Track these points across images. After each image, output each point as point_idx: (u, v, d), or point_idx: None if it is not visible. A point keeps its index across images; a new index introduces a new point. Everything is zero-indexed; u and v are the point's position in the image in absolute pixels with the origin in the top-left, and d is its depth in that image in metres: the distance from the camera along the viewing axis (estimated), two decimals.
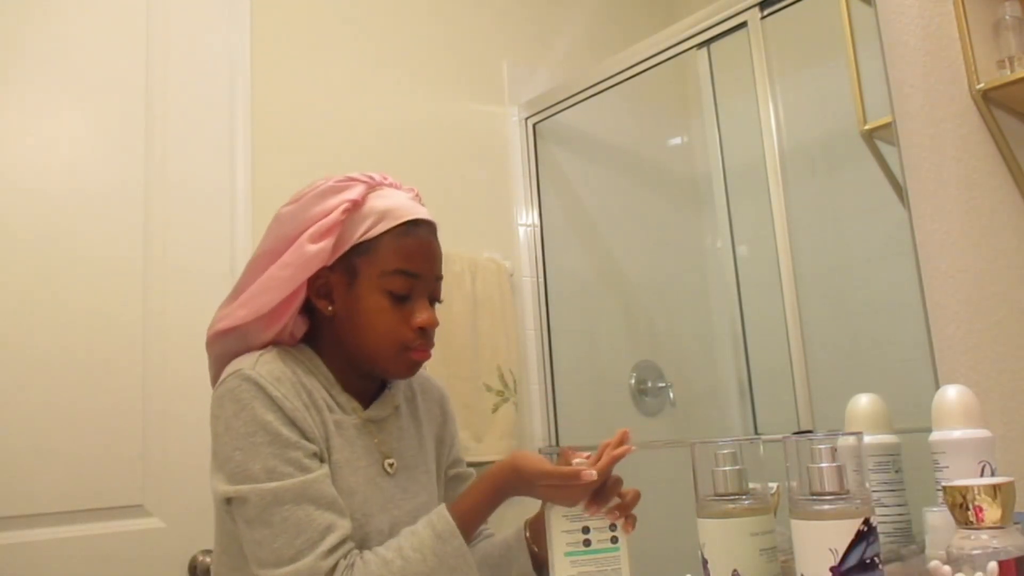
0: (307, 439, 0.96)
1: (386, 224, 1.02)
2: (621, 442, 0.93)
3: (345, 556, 0.92)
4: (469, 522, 0.95)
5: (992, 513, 0.77)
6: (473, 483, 0.99)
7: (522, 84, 2.24)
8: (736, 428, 1.95)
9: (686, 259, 2.33)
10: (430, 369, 1.86)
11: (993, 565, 0.73)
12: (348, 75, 1.93)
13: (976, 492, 0.78)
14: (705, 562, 0.89)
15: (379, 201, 1.03)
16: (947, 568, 0.75)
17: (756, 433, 1.84)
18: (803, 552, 0.80)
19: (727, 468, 0.90)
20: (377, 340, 1.01)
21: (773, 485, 0.96)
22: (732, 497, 0.89)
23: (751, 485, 0.90)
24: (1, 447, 1.36)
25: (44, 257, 1.45)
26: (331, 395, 1.03)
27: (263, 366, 0.97)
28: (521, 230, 2.20)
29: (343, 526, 0.93)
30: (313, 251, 0.99)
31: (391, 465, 1.04)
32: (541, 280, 2.17)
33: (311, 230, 1.00)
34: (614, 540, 0.88)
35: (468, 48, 2.18)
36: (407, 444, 1.09)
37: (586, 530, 0.87)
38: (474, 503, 0.96)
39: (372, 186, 1.05)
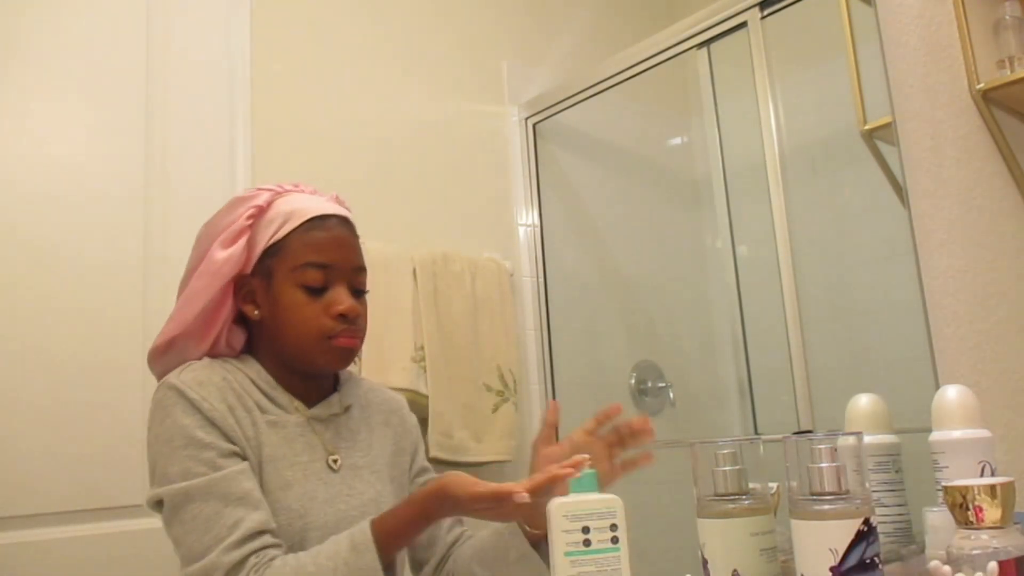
0: (227, 439, 0.98)
1: (293, 223, 1.05)
2: (573, 459, 0.86)
3: (259, 551, 0.92)
4: (390, 540, 0.93)
5: (992, 513, 0.77)
6: (402, 502, 0.97)
7: (522, 84, 2.24)
8: (736, 428, 1.96)
9: (686, 259, 2.33)
10: (430, 366, 1.89)
11: (993, 565, 0.73)
12: (348, 75, 1.93)
13: (976, 492, 0.78)
14: (705, 562, 0.89)
15: (285, 204, 1.07)
16: (947, 568, 0.75)
17: (756, 433, 1.84)
18: (803, 552, 0.80)
19: (727, 468, 0.90)
20: (299, 334, 1.03)
21: (773, 485, 0.96)
22: (732, 497, 0.89)
23: (751, 485, 0.90)
24: (1, 447, 1.36)
25: (44, 257, 1.45)
26: (269, 397, 1.05)
27: (188, 373, 1.01)
28: (521, 230, 2.20)
29: (254, 519, 0.94)
30: (222, 257, 1.04)
31: (335, 461, 1.06)
32: (541, 280, 2.17)
33: (220, 238, 1.05)
34: (614, 540, 0.88)
35: (468, 48, 2.18)
36: (357, 445, 1.11)
37: (586, 530, 0.87)
38: (397, 523, 0.94)
39: (279, 192, 1.09)
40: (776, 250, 1.63)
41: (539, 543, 1.01)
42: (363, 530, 0.94)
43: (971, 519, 0.78)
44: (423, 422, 1.78)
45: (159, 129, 1.61)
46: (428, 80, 2.07)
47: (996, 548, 0.75)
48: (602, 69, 2.04)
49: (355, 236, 1.11)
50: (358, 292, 1.09)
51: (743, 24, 1.73)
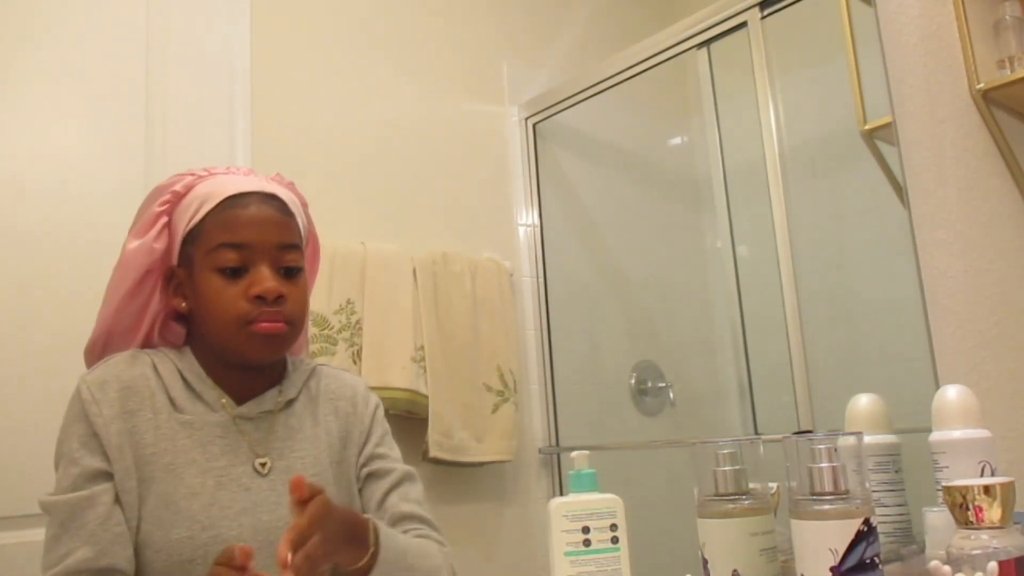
0: (101, 455, 0.92)
1: (208, 205, 0.98)
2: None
3: None
4: None
5: (992, 513, 0.77)
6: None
7: (522, 84, 2.24)
8: (736, 428, 1.96)
9: (686, 259, 2.33)
10: (430, 366, 1.89)
11: (993, 565, 0.73)
12: (348, 75, 1.93)
13: (976, 492, 0.78)
14: (705, 562, 0.89)
15: (204, 188, 1.00)
16: (947, 568, 0.75)
17: (756, 433, 1.84)
18: (803, 552, 0.80)
19: (727, 468, 0.90)
20: (218, 322, 0.96)
21: (773, 485, 0.96)
22: (732, 497, 0.89)
23: (751, 485, 0.90)
24: (1, 447, 1.36)
25: (44, 257, 1.45)
26: (195, 393, 0.98)
27: (98, 370, 0.97)
28: (521, 230, 2.20)
29: (79, 556, 0.88)
30: (132, 248, 0.99)
31: (263, 465, 0.98)
32: (541, 280, 2.17)
33: (134, 229, 1.01)
34: (614, 540, 0.88)
35: (468, 48, 2.18)
36: (296, 444, 1.02)
37: (586, 530, 0.87)
38: None
39: (201, 177, 1.02)
40: (776, 250, 1.63)
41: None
42: None
43: (971, 519, 0.78)
44: (423, 422, 1.79)
45: (159, 129, 1.61)
46: (428, 80, 2.07)
47: (996, 548, 0.75)
48: (602, 69, 2.04)
49: (285, 214, 1.01)
50: (289, 271, 0.99)
51: (743, 24, 1.73)
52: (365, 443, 1.09)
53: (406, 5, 2.07)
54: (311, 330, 1.71)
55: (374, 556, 0.92)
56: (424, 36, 2.09)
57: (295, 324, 0.99)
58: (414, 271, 1.88)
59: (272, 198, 1.01)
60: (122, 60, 1.59)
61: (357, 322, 1.77)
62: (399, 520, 1.04)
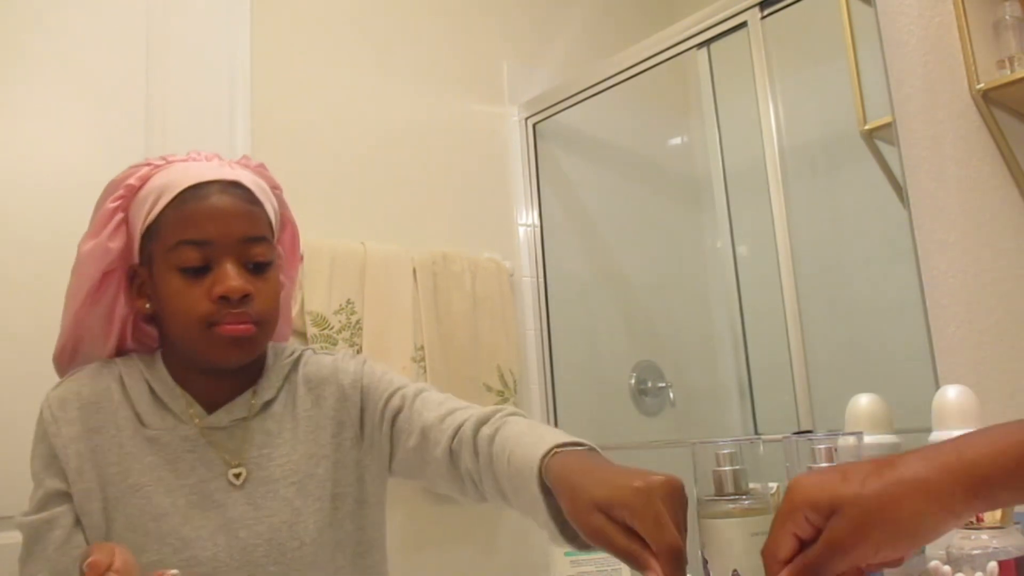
0: (61, 476, 0.89)
1: (165, 198, 0.89)
2: None
3: None
4: None
5: (992, 513, 0.77)
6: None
7: (522, 84, 2.24)
8: (736, 428, 1.95)
9: (686, 259, 2.33)
10: (431, 366, 1.89)
11: (993, 565, 0.73)
12: (348, 75, 1.93)
13: None
14: (705, 562, 0.89)
15: (160, 179, 0.91)
16: (947, 568, 0.75)
17: (756, 433, 1.84)
18: None
19: (727, 468, 0.90)
20: (181, 325, 0.88)
21: (773, 485, 0.96)
22: (732, 497, 0.89)
23: (751, 485, 0.90)
24: (1, 447, 1.36)
25: (44, 257, 1.45)
26: (163, 405, 0.92)
27: (63, 386, 0.93)
28: (521, 230, 2.20)
29: None
30: (87, 249, 0.93)
31: (238, 476, 0.91)
32: (541, 280, 2.17)
33: (90, 229, 0.94)
34: None
35: (468, 48, 2.18)
36: (274, 452, 0.94)
37: None
38: None
39: (157, 167, 0.92)
40: (776, 250, 1.63)
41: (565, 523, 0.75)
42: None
43: (971, 519, 0.78)
44: None
45: (159, 129, 1.61)
46: (428, 80, 2.07)
47: (996, 548, 0.75)
48: (602, 69, 2.04)
49: (250, 202, 0.92)
50: (258, 267, 0.91)
51: (743, 24, 1.73)
52: (365, 406, 0.98)
53: (406, 5, 2.07)
54: (311, 330, 1.71)
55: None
56: (424, 36, 2.09)
57: (265, 324, 0.91)
58: (414, 271, 1.88)
59: (235, 186, 0.91)
60: (122, 60, 1.59)
61: (357, 322, 1.77)
62: (474, 424, 0.88)
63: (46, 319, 1.44)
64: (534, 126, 2.22)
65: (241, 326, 0.88)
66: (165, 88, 1.63)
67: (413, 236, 1.93)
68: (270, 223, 0.95)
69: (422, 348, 1.82)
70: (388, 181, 1.94)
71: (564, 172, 2.25)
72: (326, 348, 1.72)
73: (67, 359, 0.98)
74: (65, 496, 0.89)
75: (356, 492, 0.97)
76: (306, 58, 1.87)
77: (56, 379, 0.98)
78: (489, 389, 1.94)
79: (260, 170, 0.99)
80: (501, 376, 1.97)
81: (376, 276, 1.82)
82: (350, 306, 1.78)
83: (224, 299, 0.87)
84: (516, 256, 2.15)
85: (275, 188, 1.01)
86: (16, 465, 1.37)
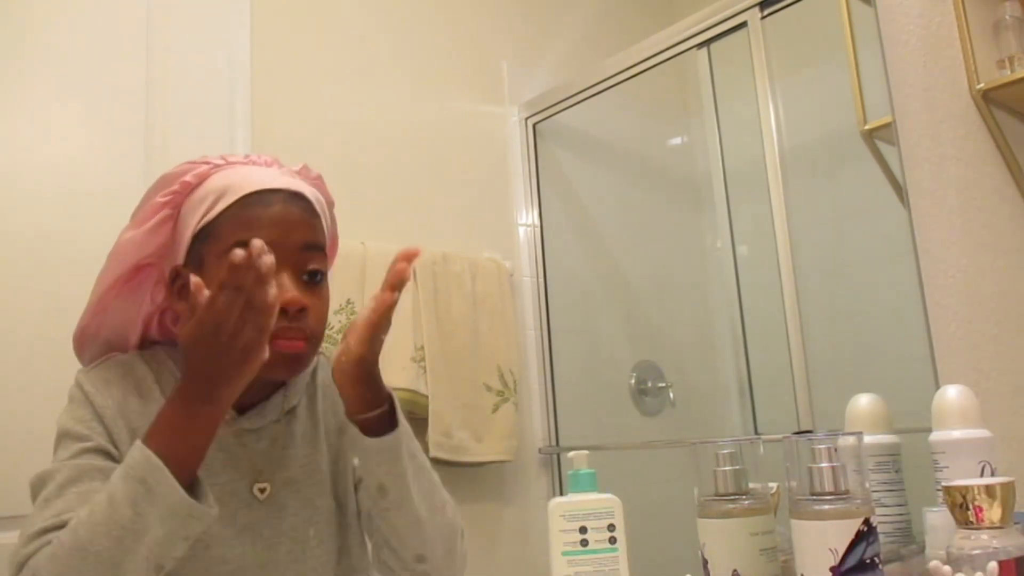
0: (108, 438, 0.85)
1: (226, 201, 0.87)
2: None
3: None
4: (166, 449, 0.75)
5: (992, 513, 0.77)
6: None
7: (522, 84, 2.24)
8: (736, 428, 1.96)
9: (686, 259, 2.33)
10: (430, 366, 1.89)
11: (993, 565, 0.73)
12: (348, 76, 1.93)
13: (976, 492, 0.78)
14: (705, 562, 0.89)
15: (220, 180, 0.89)
16: (947, 568, 0.75)
17: (756, 433, 1.84)
18: (803, 552, 0.80)
19: (727, 468, 0.90)
20: None
21: (773, 485, 0.96)
22: (732, 497, 0.89)
23: (751, 485, 0.90)
24: (1, 447, 1.36)
25: (43, 257, 1.45)
26: None
27: (99, 369, 0.91)
28: (521, 230, 2.20)
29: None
30: (126, 237, 0.90)
31: (262, 490, 0.91)
32: (541, 280, 2.17)
33: (133, 220, 0.92)
34: (612, 540, 0.88)
35: (468, 48, 2.18)
36: (299, 451, 0.95)
37: (583, 530, 0.87)
38: (161, 427, 0.77)
39: (217, 166, 0.90)
40: (776, 250, 1.63)
41: (369, 427, 0.87)
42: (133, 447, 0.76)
43: (971, 519, 0.78)
44: (423, 422, 1.79)
45: (159, 129, 1.61)
46: (428, 80, 2.07)
47: (996, 548, 0.75)
48: (602, 69, 2.04)
49: (312, 215, 0.91)
50: (312, 276, 0.89)
51: (743, 24, 1.73)
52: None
53: (406, 5, 2.07)
54: None
55: (393, 415, 0.89)
56: (424, 36, 2.09)
57: (314, 340, 0.90)
58: (414, 271, 1.88)
59: (299, 197, 0.90)
60: (122, 60, 1.59)
61: None
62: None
63: (46, 319, 1.44)
64: (534, 126, 2.22)
65: (295, 343, 0.86)
66: (165, 89, 1.63)
67: (413, 236, 1.93)
68: (325, 235, 0.95)
69: (422, 348, 1.82)
70: (388, 181, 1.94)
71: (564, 172, 2.25)
72: (326, 349, 1.71)
73: (87, 341, 0.96)
74: (110, 455, 0.84)
75: (349, 490, 0.99)
76: (306, 58, 1.87)
77: (72, 357, 0.97)
78: (489, 389, 1.94)
79: (318, 183, 0.99)
80: (501, 376, 1.97)
81: (376, 276, 1.80)
82: (350, 306, 1.77)
83: (282, 312, 0.83)
84: (516, 256, 2.15)
85: (330, 203, 1.00)
86: (16, 465, 1.37)
